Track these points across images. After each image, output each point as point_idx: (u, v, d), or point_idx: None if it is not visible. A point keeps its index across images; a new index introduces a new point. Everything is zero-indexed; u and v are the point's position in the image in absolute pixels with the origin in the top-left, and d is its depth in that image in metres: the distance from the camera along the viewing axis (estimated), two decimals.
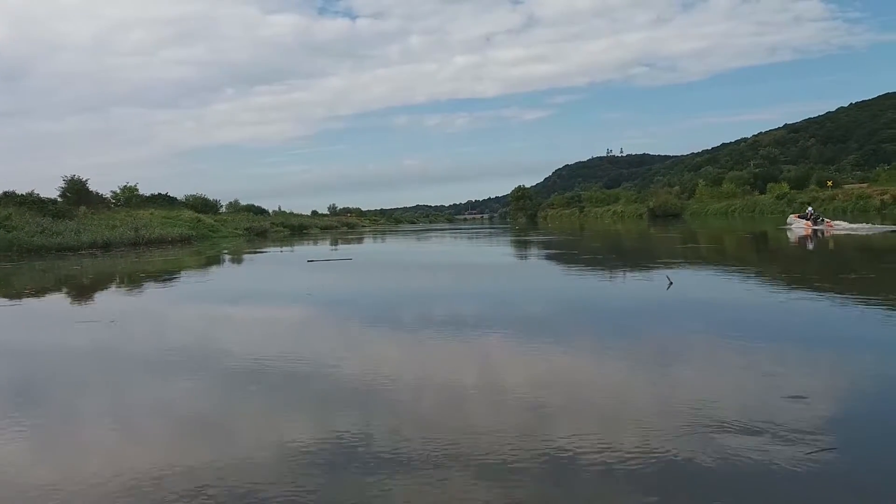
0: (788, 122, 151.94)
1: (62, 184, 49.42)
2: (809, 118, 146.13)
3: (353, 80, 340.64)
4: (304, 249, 33.91)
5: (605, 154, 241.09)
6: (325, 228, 79.92)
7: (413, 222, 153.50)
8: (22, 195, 41.36)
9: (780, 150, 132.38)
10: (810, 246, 22.39)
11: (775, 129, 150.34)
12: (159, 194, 68.58)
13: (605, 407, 4.97)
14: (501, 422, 4.63)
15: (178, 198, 67.59)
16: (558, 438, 4.23)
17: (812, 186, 67.28)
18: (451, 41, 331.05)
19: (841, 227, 28.78)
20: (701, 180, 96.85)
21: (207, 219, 55.82)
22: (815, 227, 28.92)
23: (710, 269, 15.89)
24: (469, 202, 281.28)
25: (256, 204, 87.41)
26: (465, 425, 4.60)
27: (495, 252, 28.41)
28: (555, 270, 18.24)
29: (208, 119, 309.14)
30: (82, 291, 16.27)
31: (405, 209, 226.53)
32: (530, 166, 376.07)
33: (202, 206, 65.52)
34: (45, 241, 32.09)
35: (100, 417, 5.31)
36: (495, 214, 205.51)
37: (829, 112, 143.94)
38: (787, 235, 28.31)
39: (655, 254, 22.49)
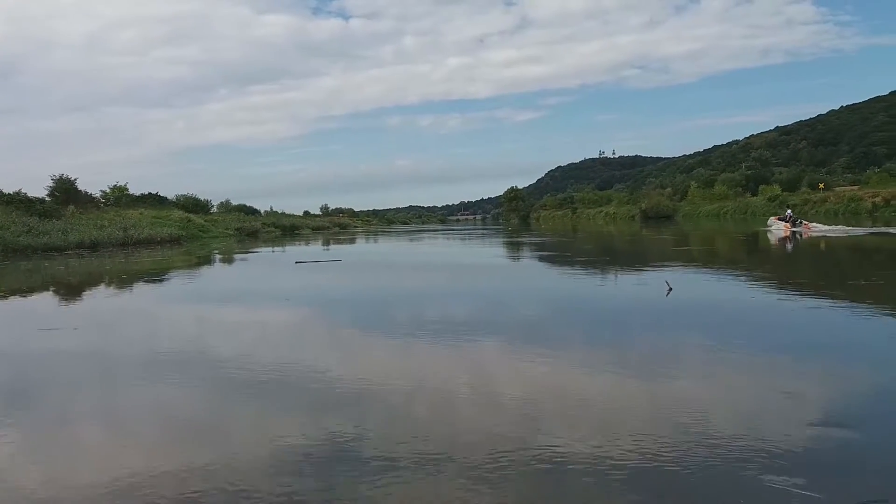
0: (780, 125, 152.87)
1: (50, 183, 49.10)
2: (801, 121, 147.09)
3: (346, 80, 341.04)
4: (295, 250, 33.61)
5: (597, 155, 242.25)
6: (316, 229, 79.60)
7: (405, 223, 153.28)
8: (9, 194, 40.93)
9: (771, 152, 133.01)
10: (789, 246, 22.89)
11: (767, 132, 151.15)
12: (149, 194, 68.16)
13: (599, 413, 4.77)
14: (494, 426, 4.43)
15: (169, 197, 67.26)
16: (552, 443, 4.05)
17: (804, 189, 67.52)
18: (445, 42, 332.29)
19: (818, 229, 29.67)
20: (693, 182, 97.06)
21: (198, 219, 55.42)
22: (794, 229, 29.70)
23: (708, 273, 15.71)
24: (462, 203, 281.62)
25: (248, 204, 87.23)
26: (456, 431, 4.39)
27: (487, 254, 28.21)
28: (548, 274, 18.02)
29: (201, 119, 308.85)
30: (57, 294, 15.86)
31: (398, 210, 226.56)
32: (523, 167, 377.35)
33: (193, 205, 65.15)
34: (32, 240, 31.68)
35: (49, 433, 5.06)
36: (488, 215, 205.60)
37: (821, 115, 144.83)
38: (767, 237, 28.88)
39: (650, 256, 22.37)
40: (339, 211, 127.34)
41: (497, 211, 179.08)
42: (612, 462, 3.85)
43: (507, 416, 4.76)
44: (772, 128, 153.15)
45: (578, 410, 4.90)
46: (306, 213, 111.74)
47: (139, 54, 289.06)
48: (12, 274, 21.68)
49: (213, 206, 74.35)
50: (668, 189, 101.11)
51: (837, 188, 63.44)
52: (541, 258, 23.62)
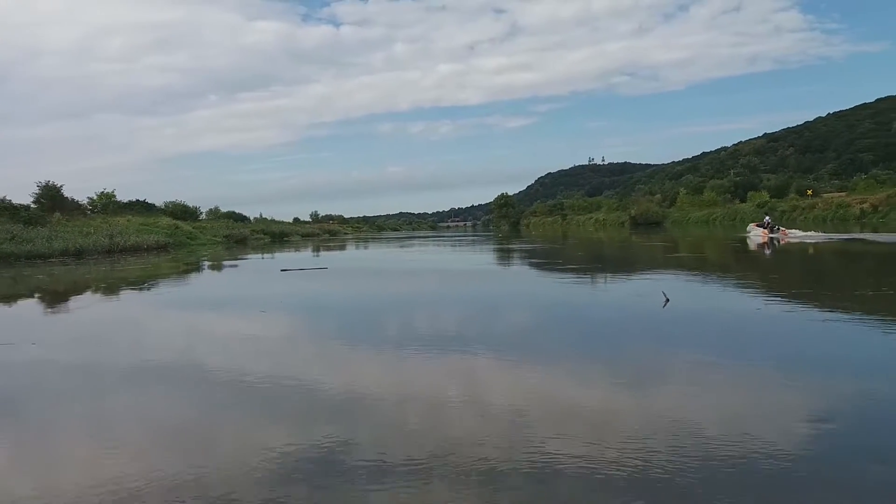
0: (768, 132, 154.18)
1: (36, 190, 48.59)
2: (788, 127, 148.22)
3: (336, 87, 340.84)
4: (283, 257, 33.32)
5: (587, 162, 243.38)
6: (306, 236, 79.10)
7: (396, 229, 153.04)
8: None
9: (759, 158, 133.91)
10: (770, 252, 23.69)
11: (755, 138, 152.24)
12: (137, 201, 67.61)
13: (590, 422, 4.59)
14: (483, 437, 4.24)
15: (157, 204, 66.71)
16: (545, 450, 3.88)
17: (792, 195, 67.86)
18: (435, 49, 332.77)
19: (795, 235, 30.67)
20: (682, 189, 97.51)
21: (186, 226, 54.92)
22: (772, 236, 30.98)
23: (701, 281, 15.58)
24: (452, 210, 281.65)
25: (238, 211, 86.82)
26: (443, 443, 4.20)
27: (478, 261, 28.03)
28: (540, 283, 17.82)
29: (191, 126, 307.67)
30: (28, 304, 15.42)
31: (388, 216, 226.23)
32: (513, 174, 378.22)
33: (181, 213, 64.62)
34: (15, 248, 31.18)
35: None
36: (478, 222, 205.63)
37: (808, 121, 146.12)
38: (747, 243, 29.65)
39: (641, 263, 22.27)
40: (329, 218, 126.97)
41: (487, 217, 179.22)
42: (603, 470, 3.81)
43: (496, 428, 4.57)
44: (760, 134, 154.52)
45: (569, 421, 4.72)
46: (296, 219, 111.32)
47: (128, 61, 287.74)
48: None
49: (201, 213, 73.89)
50: (658, 196, 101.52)
51: (825, 195, 63.82)
52: (531, 265, 23.47)
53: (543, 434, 4.49)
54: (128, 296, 16.26)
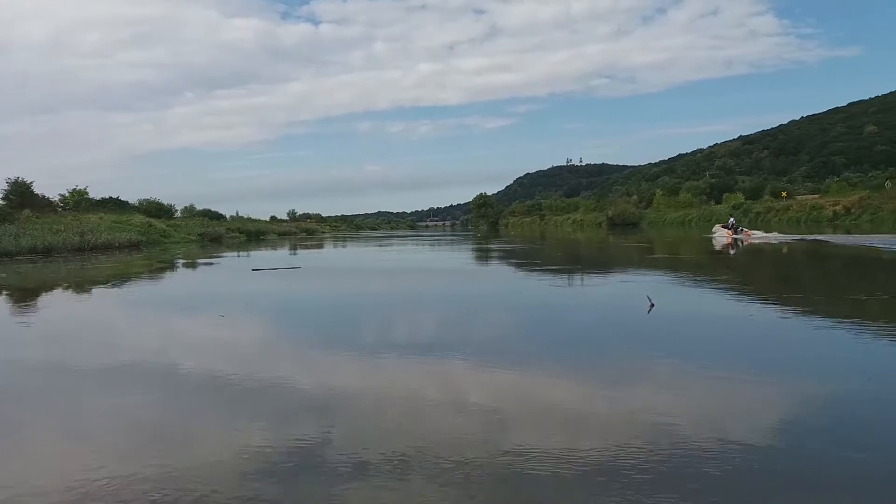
0: (743, 134, 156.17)
1: (5, 186, 47.53)
2: (763, 130, 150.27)
3: (315, 85, 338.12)
4: (258, 255, 32.86)
5: (565, 163, 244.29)
6: (283, 234, 78.36)
7: (374, 228, 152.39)
8: None
9: (734, 160, 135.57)
10: (733, 252, 24.66)
11: (730, 141, 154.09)
12: (110, 198, 66.43)
13: (568, 422, 4.45)
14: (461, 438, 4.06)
15: (131, 202, 65.65)
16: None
17: (766, 197, 68.71)
18: (415, 49, 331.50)
19: (757, 235, 31.94)
20: (658, 190, 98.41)
21: (159, 223, 54.05)
22: (735, 236, 32.13)
23: (682, 283, 15.57)
24: (431, 209, 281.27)
25: (214, 209, 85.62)
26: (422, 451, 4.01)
27: (457, 261, 27.88)
28: (519, 284, 17.68)
29: (167, 123, 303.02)
30: None
31: (367, 215, 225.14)
32: (492, 174, 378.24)
33: (156, 210, 63.64)
34: None
35: None
36: (457, 221, 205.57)
37: (782, 124, 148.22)
38: (713, 243, 30.57)
39: (621, 265, 22.25)
40: (306, 216, 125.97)
41: (466, 217, 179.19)
42: (577, 467, 3.80)
43: (473, 436, 4.39)
44: (735, 137, 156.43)
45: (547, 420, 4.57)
46: (273, 218, 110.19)
47: (104, 57, 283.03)
48: None
49: (176, 211, 72.87)
50: (634, 197, 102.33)
51: (799, 197, 64.71)
52: (510, 266, 23.38)
53: (524, 443, 4.33)
54: (89, 295, 15.82)
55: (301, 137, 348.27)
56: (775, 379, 5.77)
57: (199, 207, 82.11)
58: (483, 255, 29.73)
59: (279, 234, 76.87)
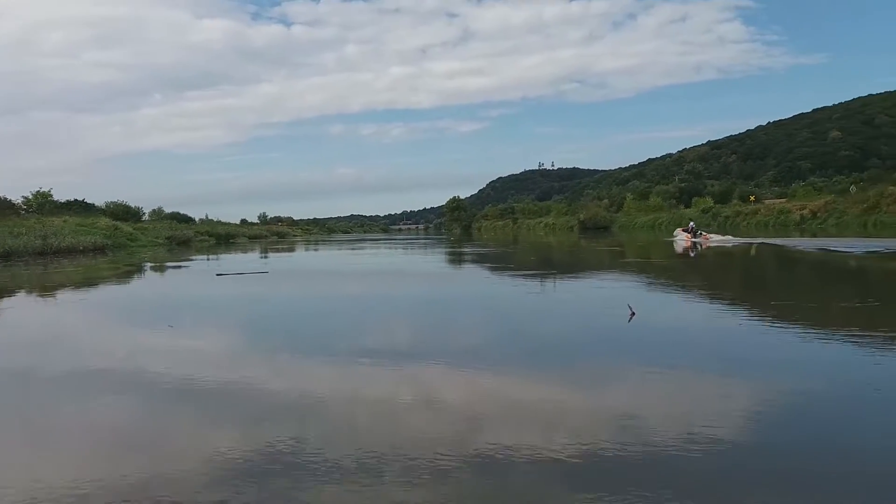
0: (711, 139, 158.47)
1: None
2: (731, 135, 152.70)
3: (287, 87, 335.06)
4: (227, 259, 32.25)
5: (537, 167, 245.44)
6: (253, 238, 77.42)
7: (347, 232, 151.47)
8: None
9: (703, 165, 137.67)
10: (692, 254, 25.49)
11: (699, 146, 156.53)
12: (75, 200, 65.14)
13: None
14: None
15: (98, 204, 64.34)
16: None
17: (735, 201, 69.69)
18: (388, 52, 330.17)
19: (714, 239, 33.25)
20: (629, 194, 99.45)
21: (126, 227, 52.93)
22: (694, 240, 33.15)
23: (655, 288, 15.56)
24: (404, 212, 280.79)
25: (184, 212, 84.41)
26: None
27: (430, 266, 27.66)
28: (493, 290, 17.51)
29: (136, 124, 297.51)
30: None
31: (339, 218, 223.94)
32: (465, 177, 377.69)
33: (123, 213, 62.48)
34: None
35: None
36: (430, 225, 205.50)
37: (749, 130, 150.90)
38: (674, 246, 31.51)
39: (594, 268, 22.26)
40: (277, 219, 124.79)
41: (440, 220, 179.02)
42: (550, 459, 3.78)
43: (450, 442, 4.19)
44: (704, 142, 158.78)
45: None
46: (244, 221, 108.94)
47: (69, 57, 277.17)
48: None
49: (144, 214, 71.68)
50: (605, 201, 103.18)
51: (767, 201, 65.74)
52: (483, 270, 23.23)
53: (499, 443, 4.13)
54: (37, 300, 15.28)
55: (272, 139, 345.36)
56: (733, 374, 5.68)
57: (167, 210, 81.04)
58: (456, 260, 29.56)
59: (250, 238, 75.95)
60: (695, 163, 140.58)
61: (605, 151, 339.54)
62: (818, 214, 49.67)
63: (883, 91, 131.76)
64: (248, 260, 32.40)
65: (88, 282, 20.27)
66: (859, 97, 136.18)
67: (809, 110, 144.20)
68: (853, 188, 56.39)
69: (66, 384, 6.60)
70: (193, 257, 35.21)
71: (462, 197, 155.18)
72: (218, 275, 20.32)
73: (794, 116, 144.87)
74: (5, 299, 15.90)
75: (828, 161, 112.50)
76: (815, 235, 35.50)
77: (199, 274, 23.57)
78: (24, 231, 37.59)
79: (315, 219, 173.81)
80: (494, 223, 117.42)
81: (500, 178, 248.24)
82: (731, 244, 30.54)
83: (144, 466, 4.12)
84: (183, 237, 56.90)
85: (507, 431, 4.56)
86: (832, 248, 23.32)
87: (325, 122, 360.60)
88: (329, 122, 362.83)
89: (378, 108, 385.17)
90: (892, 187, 45.09)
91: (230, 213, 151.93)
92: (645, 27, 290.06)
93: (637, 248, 33.24)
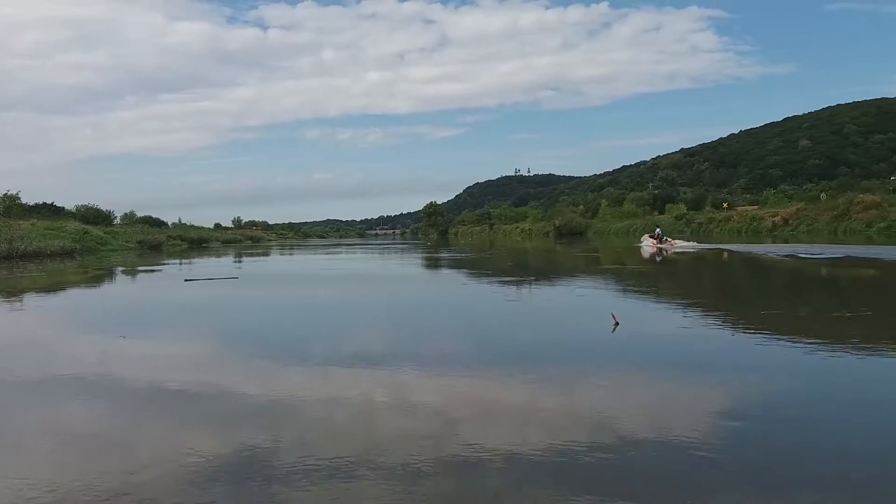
0: (684, 147, 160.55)
1: None
2: (703, 143, 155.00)
3: (263, 90, 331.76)
4: (199, 263, 31.70)
5: (513, 173, 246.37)
6: (227, 242, 76.61)
7: (323, 237, 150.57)
8: None
9: (677, 172, 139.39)
10: (658, 259, 26.46)
11: (672, 153, 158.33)
12: (44, 203, 63.72)
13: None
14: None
15: (68, 208, 63.06)
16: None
17: (708, 208, 70.58)
18: (365, 57, 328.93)
19: (678, 245, 34.55)
20: (604, 200, 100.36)
21: (96, 230, 51.92)
22: (660, 245, 34.72)
23: (640, 295, 15.53)
24: (381, 217, 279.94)
25: (157, 216, 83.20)
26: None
27: (405, 270, 27.45)
28: (469, 294, 17.36)
29: (108, 127, 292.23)
30: None
31: (315, 223, 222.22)
32: (442, 183, 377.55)
33: (94, 216, 61.29)
34: None
35: None
36: (407, 230, 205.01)
37: (722, 138, 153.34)
38: (640, 252, 32.60)
39: (573, 274, 22.21)
40: (252, 224, 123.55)
41: (416, 226, 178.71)
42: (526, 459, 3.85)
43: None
44: (677, 149, 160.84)
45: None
46: (217, 225, 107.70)
47: (42, 58, 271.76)
48: None
49: (115, 218, 70.36)
50: (581, 207, 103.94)
51: (739, 208, 66.66)
52: (460, 275, 23.07)
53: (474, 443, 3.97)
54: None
55: (248, 143, 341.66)
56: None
57: (140, 214, 79.74)
58: (433, 265, 29.38)
59: (223, 242, 75.12)
60: (668, 170, 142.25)
61: (581, 158, 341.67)
62: (790, 221, 50.45)
63: (851, 101, 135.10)
64: (219, 265, 31.89)
65: (51, 287, 19.70)
66: (828, 106, 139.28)
67: (780, 119, 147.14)
68: (823, 196, 57.41)
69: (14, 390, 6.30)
70: (164, 262, 34.57)
71: (439, 202, 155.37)
72: (186, 280, 19.91)
73: (765, 125, 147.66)
74: None
75: (798, 169, 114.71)
76: (786, 241, 36.00)
77: (166, 279, 23.08)
78: None
79: (291, 223, 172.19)
80: (471, 228, 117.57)
81: (476, 183, 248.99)
82: (693, 250, 32.26)
83: (102, 477, 3.89)
84: (154, 241, 56.02)
85: (482, 434, 4.53)
86: (771, 254, 24.90)
87: (301, 126, 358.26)
88: (306, 127, 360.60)
89: (355, 113, 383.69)
90: (860, 195, 45.98)
91: (204, 217, 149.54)
92: (619, 36, 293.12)
93: (611, 254, 33.78)
